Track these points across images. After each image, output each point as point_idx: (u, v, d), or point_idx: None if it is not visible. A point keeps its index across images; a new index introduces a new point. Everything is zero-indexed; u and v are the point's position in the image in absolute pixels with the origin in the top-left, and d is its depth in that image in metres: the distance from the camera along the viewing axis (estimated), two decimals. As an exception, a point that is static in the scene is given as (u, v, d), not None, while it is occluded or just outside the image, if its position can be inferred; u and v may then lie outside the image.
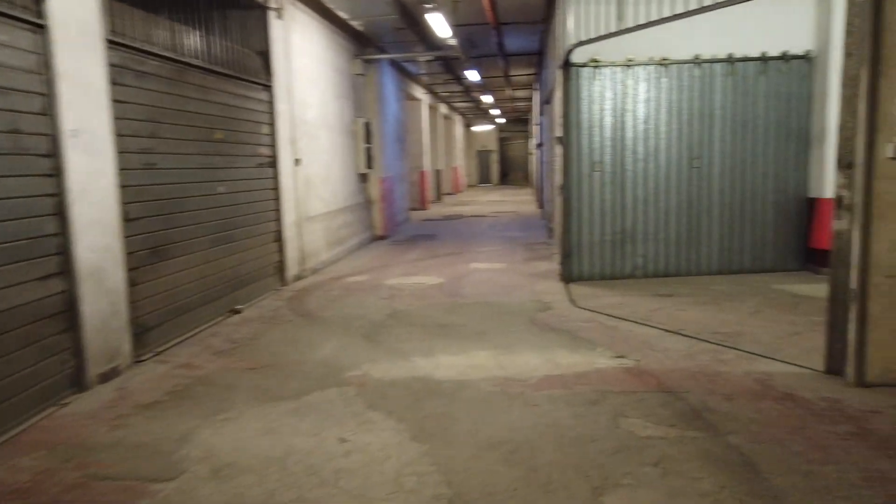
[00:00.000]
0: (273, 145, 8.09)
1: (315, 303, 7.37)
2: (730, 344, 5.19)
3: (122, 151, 5.11)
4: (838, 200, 4.24)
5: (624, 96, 7.96)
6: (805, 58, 7.91)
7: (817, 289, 7.03)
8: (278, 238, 8.25)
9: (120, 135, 5.10)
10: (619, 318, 6.17)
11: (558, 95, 8.69)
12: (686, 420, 3.77)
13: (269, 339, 5.87)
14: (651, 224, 8.13)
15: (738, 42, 7.90)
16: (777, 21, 7.90)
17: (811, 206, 8.00)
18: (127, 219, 5.16)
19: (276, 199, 8.17)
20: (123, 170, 5.13)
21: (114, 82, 5.03)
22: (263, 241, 7.83)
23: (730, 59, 7.89)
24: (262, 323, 6.49)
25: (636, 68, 7.92)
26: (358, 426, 3.87)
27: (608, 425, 3.74)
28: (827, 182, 7.68)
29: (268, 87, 7.94)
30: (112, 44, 5.02)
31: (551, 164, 11.88)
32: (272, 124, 8.06)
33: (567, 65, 7.78)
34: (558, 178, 8.20)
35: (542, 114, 16.28)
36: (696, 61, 7.90)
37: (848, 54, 4.14)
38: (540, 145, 17.71)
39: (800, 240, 8.17)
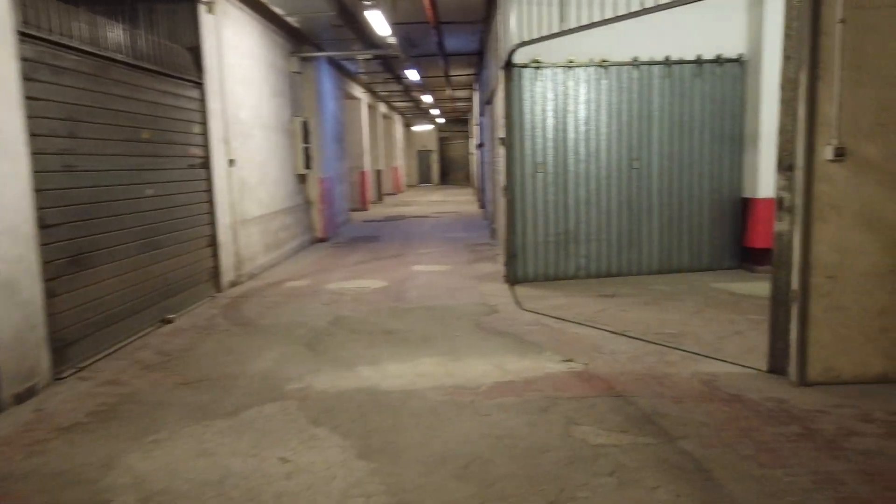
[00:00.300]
0: (205, 145, 7.72)
1: (253, 310, 7.07)
2: (675, 345, 5.22)
3: (37, 153, 4.72)
4: (779, 202, 4.29)
5: (565, 97, 7.97)
6: (738, 61, 8.11)
7: (754, 287, 7.21)
8: (212, 242, 7.88)
9: (35, 135, 4.71)
10: (566, 320, 6.14)
11: (500, 96, 8.63)
12: (637, 426, 3.72)
13: (203, 351, 5.56)
14: (593, 224, 8.18)
15: (675, 45, 8.03)
16: (711, 25, 8.06)
17: (746, 206, 8.21)
18: (43, 225, 4.77)
19: (210, 201, 7.80)
20: (39, 172, 4.73)
21: (27, 78, 4.64)
22: (196, 245, 7.46)
23: (667, 62, 8.01)
24: (195, 333, 6.16)
25: (577, 70, 7.94)
26: (300, 444, 3.66)
27: (561, 434, 3.66)
28: (760, 183, 7.90)
29: (199, 85, 7.57)
30: (24, 36, 4.63)
31: (493, 165, 11.85)
32: (204, 123, 7.69)
33: (509, 65, 7.72)
34: (502, 180, 8.14)
35: (482, 114, 16.27)
36: (635, 63, 7.98)
37: (787, 57, 4.19)
38: (480, 145, 17.71)
39: (735, 239, 8.38)
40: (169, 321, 6.56)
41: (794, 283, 4.20)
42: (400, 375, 4.75)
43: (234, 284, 8.41)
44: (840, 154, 3.98)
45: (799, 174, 4.11)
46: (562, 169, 8.06)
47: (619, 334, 5.59)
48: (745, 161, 8.20)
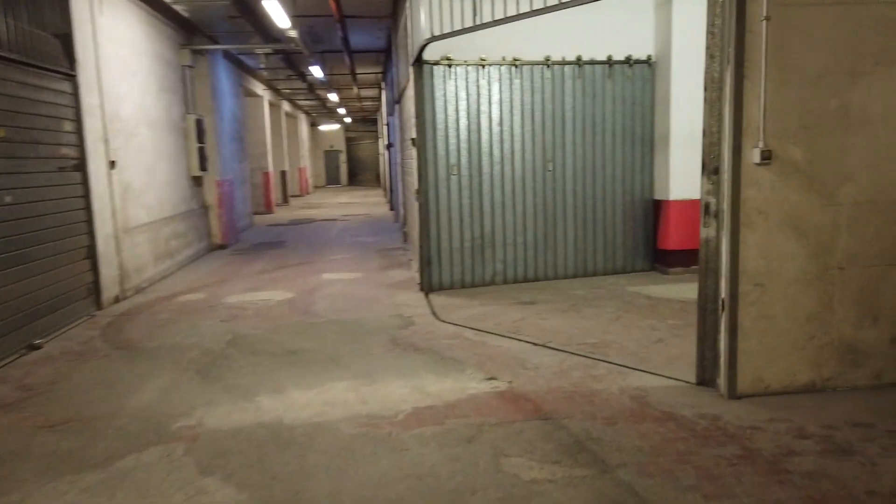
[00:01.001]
0: (80, 145, 6.84)
1: (138, 330, 6.30)
2: (599, 356, 4.98)
3: None
4: (705, 207, 4.12)
5: (478, 97, 7.66)
6: (647, 63, 8.08)
7: (668, 290, 7.17)
8: (91, 254, 7.01)
9: None
10: (486, 331, 5.80)
11: (410, 94, 8.22)
12: (571, 454, 3.41)
13: (75, 383, 4.81)
14: (509, 228, 7.92)
15: (587, 45, 7.90)
16: (622, 25, 8.00)
17: (657, 208, 8.21)
18: None
19: (87, 208, 6.93)
20: None
21: None
22: (71, 258, 6.59)
23: (578, 62, 7.86)
24: (67, 360, 5.37)
25: (489, 68, 7.64)
26: (187, 500, 3.09)
27: (489, 469, 3.28)
28: (672, 185, 7.90)
29: (71, 77, 6.69)
30: None
31: (403, 166, 11.43)
32: (78, 121, 6.81)
33: (420, 62, 7.32)
34: (415, 182, 7.73)
35: (391, 114, 15.81)
36: (547, 63, 7.79)
37: (710, 56, 4.02)
38: (390, 146, 17.25)
39: (647, 241, 8.36)
40: (36, 347, 5.71)
41: (723, 291, 4.03)
42: (307, 405, 4.24)
43: (118, 300, 7.55)
44: (767, 157, 3.83)
45: (725, 178, 3.94)
46: (476, 171, 7.74)
47: (542, 346, 5.31)
48: (657, 163, 8.19)
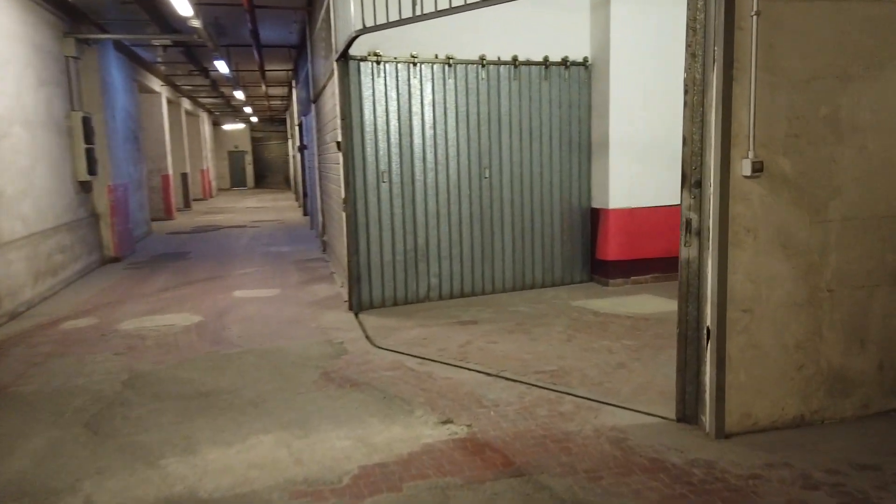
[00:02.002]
0: (-67, 147, 5.66)
1: (11, 368, 5.24)
2: (562, 387, 4.48)
3: None
4: (686, 224, 3.68)
5: (409, 97, 7.02)
6: (584, 65, 7.72)
7: (613, 304, 6.81)
8: (-50, 278, 5.83)
9: None
10: (430, 359, 5.18)
11: (332, 93, 7.49)
12: (560, 525, 2.85)
13: (-79, 450, 3.80)
14: (444, 240, 7.33)
15: (523, 44, 7.44)
16: (559, 25, 7.61)
17: (596, 217, 7.87)
18: None
19: (-56, 223, 5.75)
20: None
21: None
22: (-78, 285, 5.42)
23: (514, 62, 7.39)
24: (-86, 417, 4.30)
25: (421, 66, 7.03)
26: None
27: (466, 553, 2.67)
28: (612, 193, 7.57)
29: (-81, 64, 5.52)
30: None
31: (322, 170, 10.62)
32: (-70, 117, 5.63)
33: (346, 57, 6.61)
34: (340, 190, 7.00)
35: (305, 114, 14.88)
36: (482, 62, 7.26)
37: (692, 55, 3.59)
38: (303, 147, 16.28)
39: (585, 251, 8.01)
40: None
41: (708, 318, 3.60)
42: (227, 468, 3.47)
43: (-14, 331, 6.38)
44: (758, 169, 3.44)
45: (712, 192, 3.51)
46: (408, 178, 7.11)
47: (496, 376, 4.75)
48: (594, 170, 7.85)
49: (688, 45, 3.60)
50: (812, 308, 3.65)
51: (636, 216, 7.66)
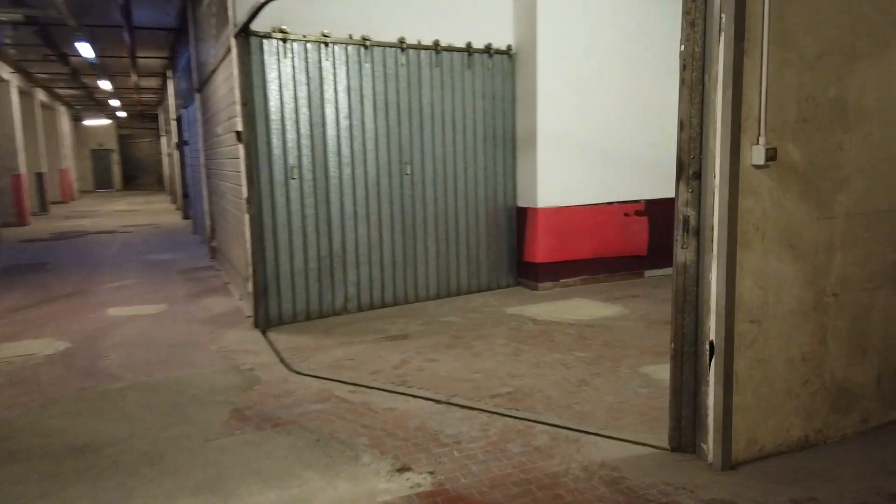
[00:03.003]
0: None
1: None
2: (527, 413, 3.86)
3: None
4: (683, 223, 3.17)
5: (321, 82, 6.17)
6: (507, 53, 7.20)
7: (550, 311, 6.31)
8: None
9: None
10: (364, 385, 4.39)
11: (226, 77, 6.48)
12: None
13: None
14: (363, 244, 6.53)
15: (445, 28, 6.80)
16: (482, 8, 7.04)
17: (523, 217, 7.36)
18: None
19: None
20: None
21: None
22: None
23: (436, 48, 6.73)
24: None
25: (334, 47, 6.20)
26: None
27: None
28: (540, 190, 7.08)
29: None
30: None
31: (213, 166, 9.43)
32: None
33: (247, 33, 5.66)
34: (242, 189, 6.01)
35: (185, 105, 13.43)
36: (402, 46, 6.54)
37: (691, 24, 3.07)
38: (184, 144, 14.76)
39: (512, 254, 7.49)
40: None
41: (711, 331, 3.10)
42: (121, 563, 2.53)
43: None
44: (771, 157, 2.97)
45: (718, 185, 3.01)
46: (322, 174, 6.25)
47: (447, 403, 4.05)
48: (521, 167, 7.35)
49: (685, 13, 3.08)
50: (817, 315, 3.25)
51: (565, 215, 7.23)
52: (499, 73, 7.18)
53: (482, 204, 7.23)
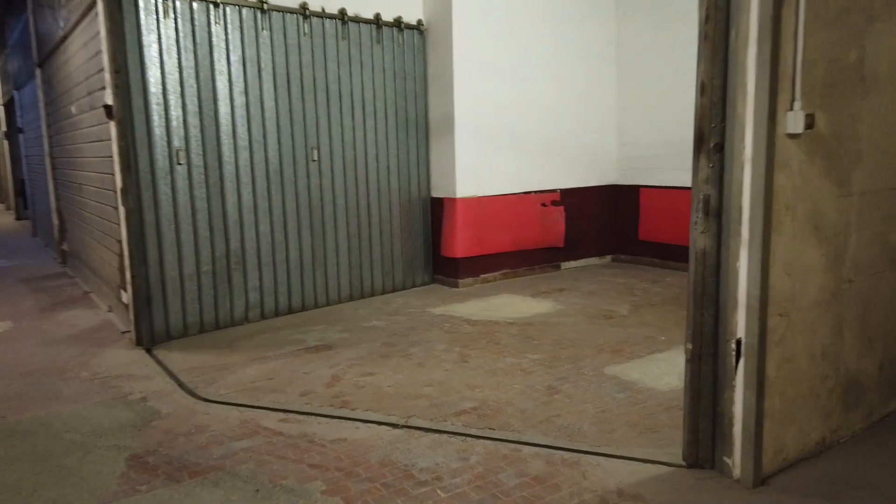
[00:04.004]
0: None
1: None
2: (507, 434, 3.28)
3: None
4: (704, 203, 2.72)
5: (211, 49, 5.20)
6: (418, 29, 6.57)
7: (481, 309, 5.78)
8: None
9: None
10: (297, 412, 3.59)
11: (95, 38, 5.33)
12: None
13: None
14: (265, 242, 5.62)
15: (353, -4, 6.05)
16: (392, -22, 6.35)
17: (438, 209, 6.76)
18: None
19: None
20: None
21: None
22: None
23: (342, 17, 5.96)
24: None
25: (226, 9, 5.25)
26: None
27: None
28: (459, 179, 6.52)
29: None
30: None
31: (66, 153, 7.96)
32: None
33: (119, -18, 4.59)
34: (116, 177, 4.90)
35: (19, 87, 11.46)
36: (304, 12, 5.71)
37: (711, -30, 2.62)
38: (18, 132, 12.67)
39: (427, 249, 6.88)
40: None
41: (740, 328, 2.68)
42: None
43: None
44: (809, 125, 2.59)
45: (749, 158, 2.59)
46: (214, 159, 5.27)
47: (408, 427, 3.37)
48: (436, 154, 6.74)
49: (705, -46, 2.62)
50: (836, 304, 2.95)
51: (484, 206, 6.72)
52: (409, 50, 6.53)
53: (395, 195, 6.55)
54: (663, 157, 7.18)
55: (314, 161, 5.89)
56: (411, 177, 6.67)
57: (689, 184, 7.05)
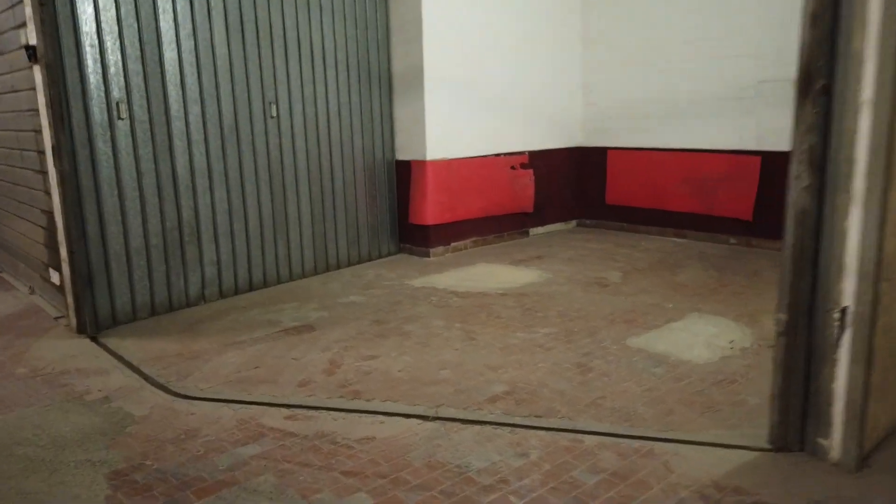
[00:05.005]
0: None
1: None
2: (562, 423, 2.89)
3: None
4: (808, 154, 2.39)
5: (155, -17, 4.40)
6: (380, -26, 5.93)
7: (463, 279, 5.35)
8: None
9: None
10: (302, 405, 3.06)
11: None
12: None
13: None
14: (221, 209, 4.93)
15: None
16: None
17: (404, 172, 6.22)
18: None
19: None
20: None
21: None
22: None
23: (299, -45, 5.25)
24: None
25: (170, -65, 4.45)
26: None
27: None
28: (429, 141, 6.00)
29: None
30: None
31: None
32: None
33: None
34: (46, 135, 4.06)
35: None
36: (258, -54, 4.96)
37: None
38: None
39: (393, 216, 6.34)
40: None
41: (847, 295, 2.39)
42: None
43: None
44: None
45: (866, 100, 2.26)
46: (160, 113, 4.51)
47: (440, 419, 2.92)
48: (402, 112, 6.17)
49: None
50: (920, 266, 2.71)
51: (455, 169, 6.25)
52: (370, -6, 5.89)
53: (359, 157, 5.95)
54: (631, 118, 6.93)
55: (273, 118, 5.20)
56: (374, 137, 6.08)
57: (659, 145, 7.02)
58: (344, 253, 5.90)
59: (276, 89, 5.20)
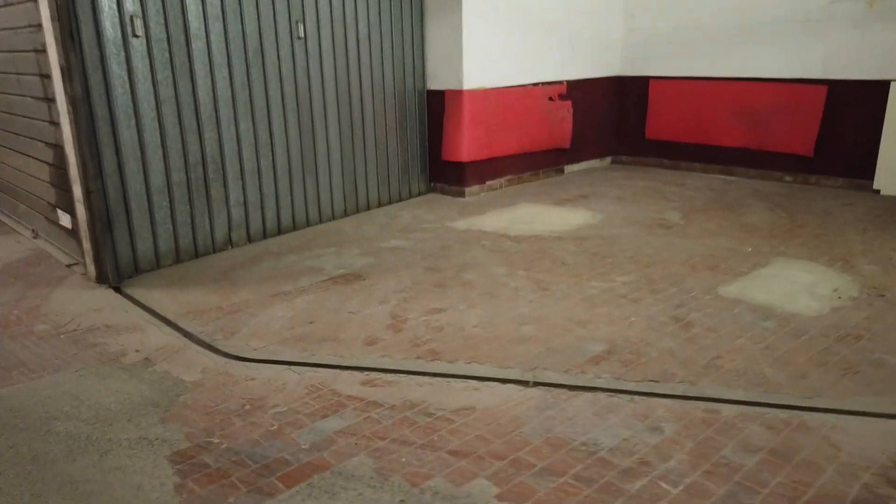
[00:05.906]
0: None
1: None
2: (684, 388, 2.51)
3: None
4: None
5: None
6: None
7: (512, 221, 4.92)
8: None
9: None
10: (375, 368, 2.66)
11: None
12: None
13: None
14: (247, 143, 4.40)
15: None
16: None
17: (439, 103, 5.68)
18: None
19: None
20: None
21: None
22: None
23: None
24: None
25: None
26: None
27: None
28: (466, 68, 5.43)
29: None
30: None
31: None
32: None
33: None
34: (51, 53, 3.48)
35: None
36: None
37: None
38: None
39: (424, 152, 5.83)
40: None
41: None
42: None
43: None
44: None
45: None
46: (179, 31, 3.92)
47: (540, 384, 2.53)
48: (432, 35, 5.58)
49: None
50: None
51: (492, 100, 5.71)
52: None
53: (389, 85, 5.40)
54: (677, 44, 6.37)
55: (300, 38, 4.61)
56: (405, 63, 5.51)
57: (707, 73, 6.45)
58: (374, 193, 5.42)
59: (303, 8, 4.59)
